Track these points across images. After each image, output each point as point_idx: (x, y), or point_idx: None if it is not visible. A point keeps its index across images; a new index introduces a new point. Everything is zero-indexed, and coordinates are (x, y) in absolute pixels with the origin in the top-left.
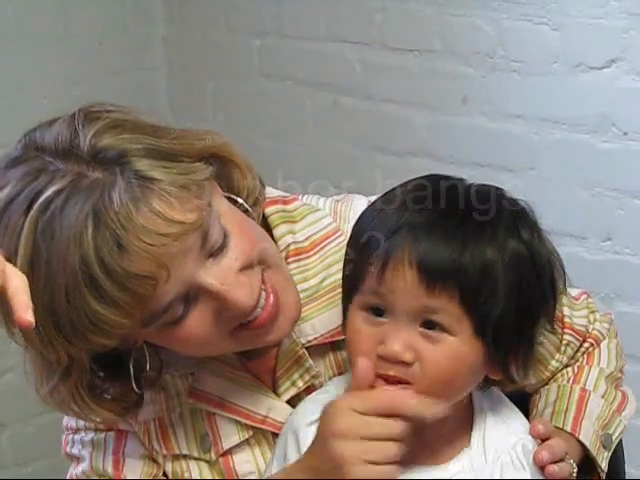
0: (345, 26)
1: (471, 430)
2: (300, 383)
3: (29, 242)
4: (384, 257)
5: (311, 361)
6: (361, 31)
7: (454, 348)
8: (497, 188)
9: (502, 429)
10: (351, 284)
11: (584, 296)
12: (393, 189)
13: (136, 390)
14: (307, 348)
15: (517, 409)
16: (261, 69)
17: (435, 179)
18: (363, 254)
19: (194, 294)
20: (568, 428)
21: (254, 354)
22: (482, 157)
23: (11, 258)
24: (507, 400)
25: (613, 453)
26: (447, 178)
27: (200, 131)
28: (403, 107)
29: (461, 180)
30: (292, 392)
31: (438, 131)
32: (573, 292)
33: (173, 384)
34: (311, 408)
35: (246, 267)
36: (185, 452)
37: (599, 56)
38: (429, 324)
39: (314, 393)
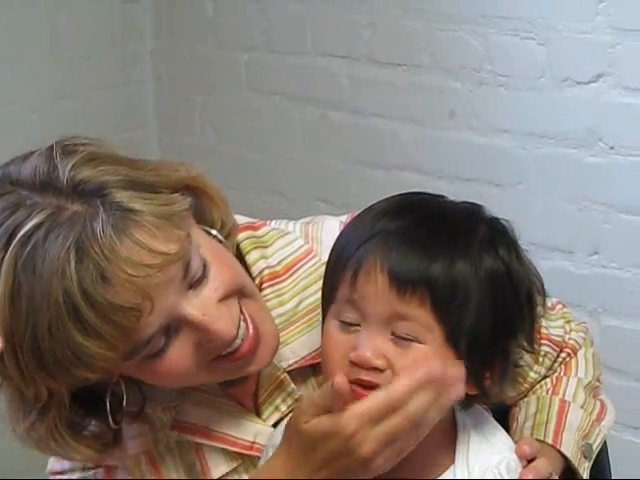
0: (333, 41)
1: (455, 448)
2: (283, 407)
3: (9, 278)
4: (356, 264)
5: (293, 385)
6: (349, 46)
7: (425, 356)
8: (477, 205)
9: (486, 447)
10: (327, 294)
11: (559, 306)
12: (372, 205)
13: (113, 426)
14: (288, 372)
15: (499, 426)
16: (249, 83)
17: (414, 194)
18: (337, 264)
19: (175, 326)
20: (549, 440)
21: (235, 381)
22: (470, 171)
23: None
24: (490, 417)
25: (598, 463)
26: (427, 194)
27: (174, 163)
28: (391, 121)
29: (442, 197)
30: (276, 417)
31: (426, 145)
32: (548, 302)
33: (157, 417)
34: None
35: (225, 297)
36: None
37: (586, 71)
38: (400, 331)
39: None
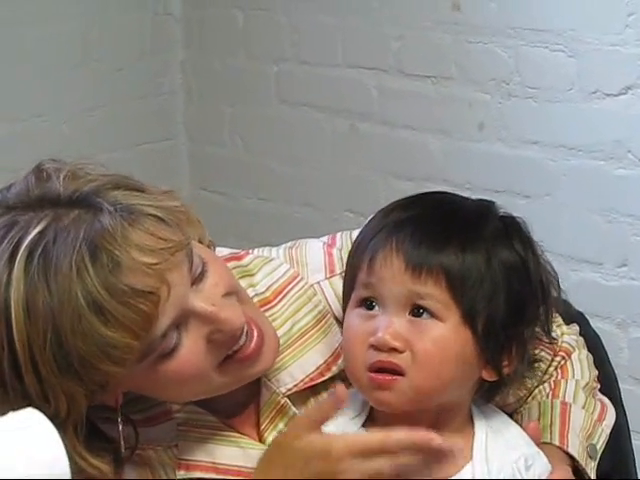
0: (362, 52)
1: (472, 445)
2: None
3: (22, 289)
4: (372, 252)
5: (294, 409)
6: (378, 57)
7: (442, 334)
8: (490, 202)
9: (502, 443)
10: (347, 287)
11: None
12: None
13: (123, 449)
14: (288, 396)
15: (513, 421)
16: (279, 95)
17: (429, 192)
18: (355, 258)
19: (185, 321)
20: (556, 442)
21: (234, 412)
22: (498, 183)
23: (0, 314)
24: (502, 413)
25: (625, 471)
26: (440, 192)
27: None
28: (420, 133)
29: (456, 195)
30: None
31: (454, 157)
32: None
33: (158, 458)
34: None
35: (227, 294)
36: None
37: (615, 83)
38: (417, 310)
39: None
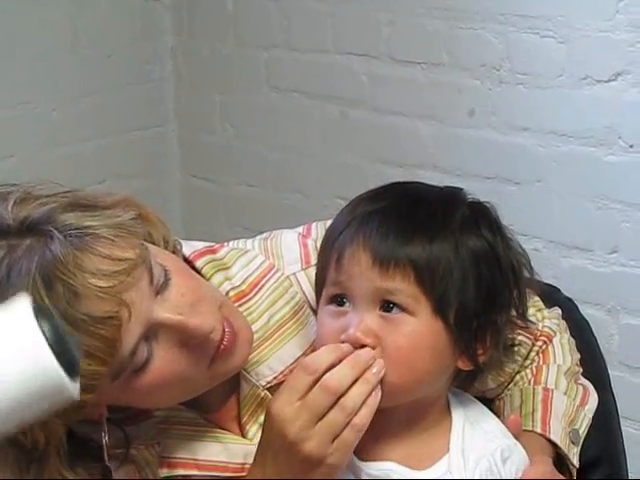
0: (353, 39)
1: (449, 436)
2: None
3: None
4: (340, 248)
5: None
6: (369, 44)
7: (413, 328)
8: (457, 189)
9: (480, 435)
10: (319, 282)
11: (530, 294)
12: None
13: (107, 463)
14: (268, 389)
15: (491, 412)
16: (269, 81)
17: (393, 183)
18: (324, 252)
19: (154, 333)
20: (538, 429)
21: (213, 407)
22: (489, 169)
23: None
24: (480, 404)
25: (615, 461)
26: (407, 182)
27: (103, 191)
28: (410, 119)
29: (421, 183)
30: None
31: (445, 143)
32: None
33: (141, 456)
34: None
35: (197, 302)
36: None
37: (605, 69)
38: (388, 306)
39: None
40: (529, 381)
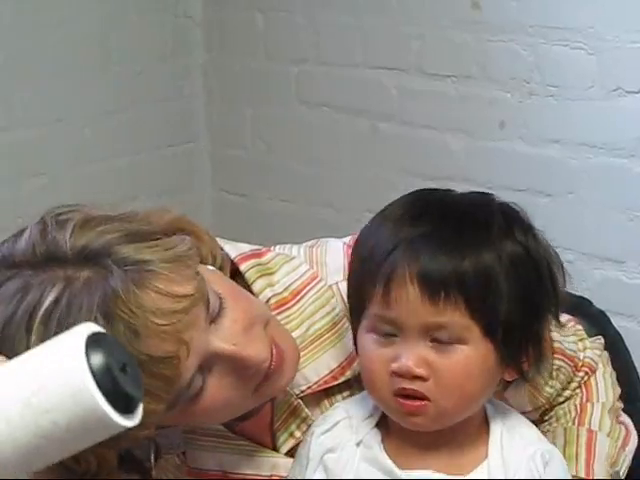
0: (382, 52)
1: (487, 442)
2: (298, 433)
3: None
4: (385, 278)
5: (307, 410)
6: (398, 57)
7: (467, 355)
8: (487, 194)
9: (517, 439)
10: (356, 309)
11: (571, 323)
12: (384, 209)
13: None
14: (301, 398)
15: (525, 418)
16: (299, 96)
17: (424, 193)
18: (364, 277)
19: (207, 363)
20: (582, 474)
21: (247, 414)
22: (520, 182)
23: None
24: (515, 411)
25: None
26: (436, 190)
27: (157, 209)
28: (440, 132)
29: (450, 191)
30: (291, 443)
31: (475, 156)
32: (561, 318)
33: (167, 465)
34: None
35: (250, 326)
36: None
37: (636, 80)
38: (439, 338)
39: (321, 416)
40: (573, 420)
